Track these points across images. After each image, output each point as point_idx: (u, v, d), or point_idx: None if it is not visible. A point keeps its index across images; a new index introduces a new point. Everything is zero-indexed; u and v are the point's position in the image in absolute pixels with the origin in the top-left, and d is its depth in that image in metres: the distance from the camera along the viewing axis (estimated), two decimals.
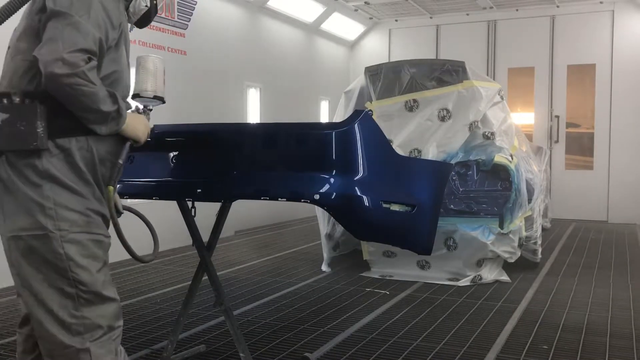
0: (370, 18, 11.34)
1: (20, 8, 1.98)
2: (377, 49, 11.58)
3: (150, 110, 2.34)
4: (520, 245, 5.47)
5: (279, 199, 2.62)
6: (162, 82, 2.40)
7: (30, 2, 2.00)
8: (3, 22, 1.98)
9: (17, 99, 1.93)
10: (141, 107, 2.30)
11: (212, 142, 2.83)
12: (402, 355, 3.51)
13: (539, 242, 6.08)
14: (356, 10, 10.70)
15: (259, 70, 9.02)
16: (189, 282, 3.35)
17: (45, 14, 1.92)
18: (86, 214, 2.00)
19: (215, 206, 3.08)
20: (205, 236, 3.15)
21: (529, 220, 5.73)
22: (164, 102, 2.40)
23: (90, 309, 1.98)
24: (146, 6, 2.22)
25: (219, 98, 8.04)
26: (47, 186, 1.94)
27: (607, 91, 9.94)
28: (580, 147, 10.35)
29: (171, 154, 2.85)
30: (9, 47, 2.10)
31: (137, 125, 2.13)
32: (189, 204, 3.04)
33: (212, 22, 8.01)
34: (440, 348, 3.65)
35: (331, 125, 2.81)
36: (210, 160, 2.81)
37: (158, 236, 2.47)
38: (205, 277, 3.22)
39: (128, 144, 2.12)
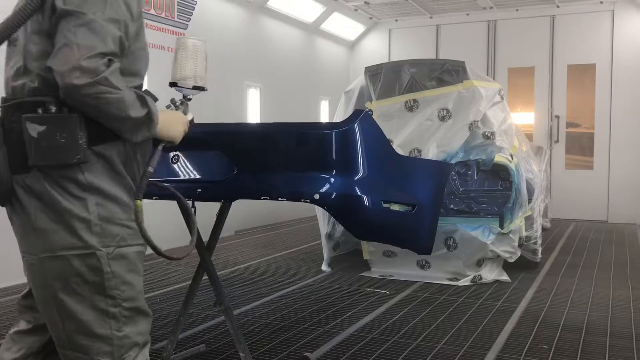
0: (370, 18, 11.34)
1: (32, 15, 1.71)
2: (377, 49, 11.57)
3: (190, 100, 2.11)
4: (520, 245, 5.47)
5: (279, 199, 2.62)
6: (203, 68, 2.17)
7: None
8: (10, 35, 1.73)
9: (53, 109, 1.71)
10: (179, 97, 2.08)
11: (212, 142, 2.83)
12: (402, 355, 3.51)
13: (539, 242, 6.08)
14: (356, 10, 10.70)
15: (259, 70, 9.01)
16: (189, 282, 3.35)
17: (55, 15, 1.69)
18: (130, 225, 1.83)
19: (215, 206, 3.08)
20: (205, 236, 3.14)
21: (529, 220, 5.73)
22: (205, 90, 2.16)
23: (130, 326, 1.84)
24: None
25: (219, 98, 8.03)
26: (92, 199, 1.75)
27: (607, 91, 9.93)
28: (580, 147, 10.34)
29: (171, 154, 2.85)
30: (12, 44, 1.86)
31: (171, 126, 1.92)
32: (189, 203, 3.03)
33: (212, 22, 8.00)
34: (440, 348, 3.65)
35: (331, 125, 2.81)
36: (210, 160, 2.81)
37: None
38: (205, 277, 3.22)
39: (160, 148, 1.92)
